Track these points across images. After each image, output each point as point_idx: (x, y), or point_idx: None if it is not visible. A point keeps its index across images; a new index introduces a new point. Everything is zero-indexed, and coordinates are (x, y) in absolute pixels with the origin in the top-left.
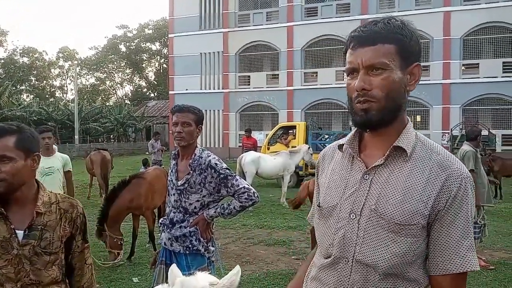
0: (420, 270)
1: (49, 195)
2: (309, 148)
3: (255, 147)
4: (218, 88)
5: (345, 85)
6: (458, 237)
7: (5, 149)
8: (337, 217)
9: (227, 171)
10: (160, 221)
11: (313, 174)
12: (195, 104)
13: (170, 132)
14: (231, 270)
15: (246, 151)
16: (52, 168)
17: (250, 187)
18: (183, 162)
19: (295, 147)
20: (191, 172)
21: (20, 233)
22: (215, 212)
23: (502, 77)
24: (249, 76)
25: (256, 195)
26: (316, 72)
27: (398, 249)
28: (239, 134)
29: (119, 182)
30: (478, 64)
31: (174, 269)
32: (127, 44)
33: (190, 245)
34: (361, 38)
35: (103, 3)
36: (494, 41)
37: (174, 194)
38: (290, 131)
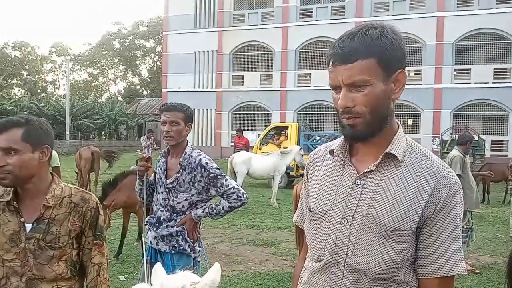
0: (409, 272)
1: (62, 188)
2: (300, 149)
3: (247, 147)
4: (212, 87)
5: None
6: (446, 241)
7: (11, 141)
8: (329, 221)
9: (217, 170)
10: (146, 219)
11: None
12: (188, 102)
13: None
14: None
15: (238, 151)
16: None
17: (240, 187)
18: (173, 160)
19: (287, 148)
20: (181, 170)
21: (28, 226)
22: (203, 212)
23: (493, 83)
24: (242, 76)
25: (245, 196)
26: (310, 74)
27: (388, 255)
28: (232, 134)
29: (114, 177)
30: (470, 69)
31: (158, 268)
32: (121, 40)
33: (176, 245)
34: (339, 56)
35: None
36: (486, 47)
37: (162, 192)
38: (282, 132)
